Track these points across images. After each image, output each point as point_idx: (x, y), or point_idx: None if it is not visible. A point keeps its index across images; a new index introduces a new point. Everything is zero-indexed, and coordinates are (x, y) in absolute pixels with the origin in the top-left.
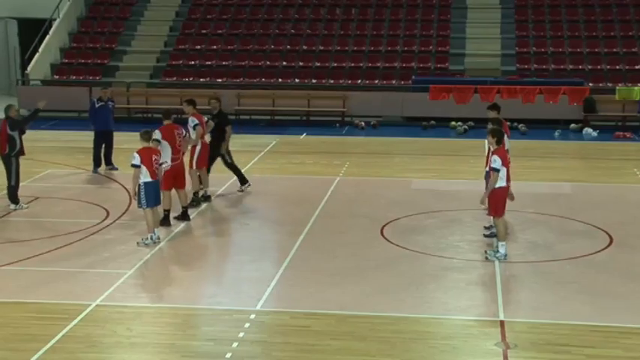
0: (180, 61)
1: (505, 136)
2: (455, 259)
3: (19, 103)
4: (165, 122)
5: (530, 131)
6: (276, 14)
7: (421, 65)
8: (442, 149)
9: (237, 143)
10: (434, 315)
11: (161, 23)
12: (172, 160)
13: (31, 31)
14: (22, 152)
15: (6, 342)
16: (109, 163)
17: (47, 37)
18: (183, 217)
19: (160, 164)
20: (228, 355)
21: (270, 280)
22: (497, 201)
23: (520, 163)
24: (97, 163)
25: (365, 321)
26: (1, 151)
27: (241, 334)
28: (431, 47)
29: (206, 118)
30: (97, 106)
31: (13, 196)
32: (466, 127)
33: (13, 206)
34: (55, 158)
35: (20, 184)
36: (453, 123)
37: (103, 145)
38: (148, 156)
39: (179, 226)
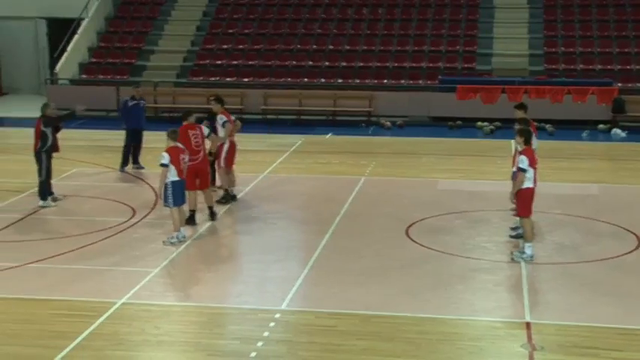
0: (207, 61)
1: (533, 136)
2: (482, 260)
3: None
4: (184, 123)
5: (557, 132)
6: (304, 14)
7: (448, 65)
8: (469, 149)
9: (263, 143)
10: (461, 316)
11: (188, 23)
12: (191, 160)
13: (60, 30)
14: (55, 149)
15: (34, 339)
16: (136, 161)
17: (76, 36)
18: (210, 216)
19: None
20: (254, 354)
21: (296, 280)
22: (524, 202)
23: (547, 164)
24: (125, 162)
25: (390, 321)
26: (34, 148)
27: (266, 334)
28: (458, 47)
29: (234, 117)
30: (129, 105)
31: (42, 191)
32: (493, 127)
33: (41, 202)
34: (82, 157)
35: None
36: (480, 123)
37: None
38: (176, 155)
39: (205, 226)
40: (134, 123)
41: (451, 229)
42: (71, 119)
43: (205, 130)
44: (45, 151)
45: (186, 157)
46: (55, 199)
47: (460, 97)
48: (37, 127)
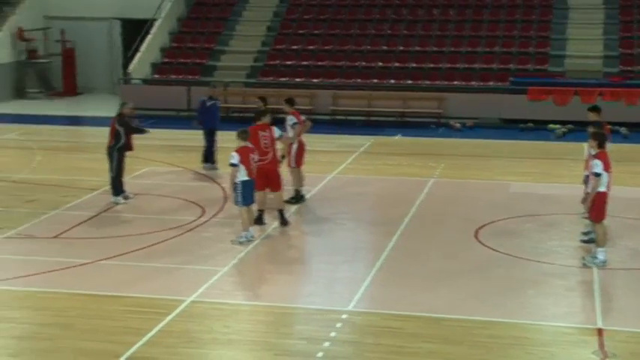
0: (277, 61)
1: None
2: (553, 265)
3: (120, 101)
4: (257, 123)
5: (632, 134)
6: (374, 15)
7: (520, 66)
8: (540, 152)
9: (332, 143)
10: (531, 321)
11: (259, 23)
12: (260, 161)
13: (134, 31)
14: (128, 148)
15: (105, 334)
16: (208, 160)
17: (149, 37)
18: (281, 220)
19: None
20: (320, 354)
21: (363, 281)
22: (598, 206)
23: (621, 168)
24: (207, 160)
25: (458, 324)
26: (108, 144)
27: (333, 334)
28: (530, 48)
29: (304, 117)
30: (208, 104)
31: (113, 187)
32: (565, 129)
33: (112, 199)
34: (154, 156)
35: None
36: (552, 125)
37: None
38: (246, 155)
39: (273, 225)
40: (211, 123)
41: (521, 232)
42: (140, 134)
43: (276, 132)
44: (117, 149)
45: (256, 157)
46: (126, 197)
47: (532, 98)
48: (113, 124)
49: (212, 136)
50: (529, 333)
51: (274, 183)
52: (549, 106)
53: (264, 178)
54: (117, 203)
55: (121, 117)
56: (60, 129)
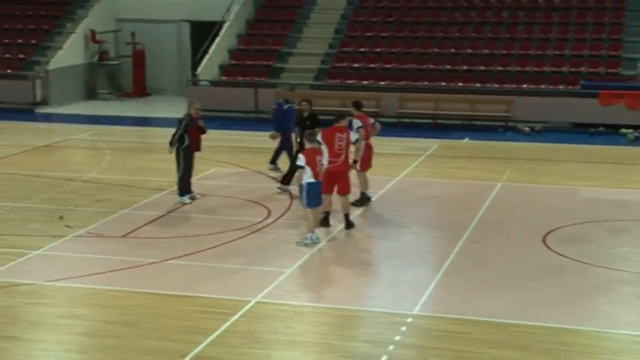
0: (345, 64)
1: None
2: (623, 272)
3: (188, 103)
4: (335, 125)
5: None
6: (442, 17)
7: (591, 70)
8: (611, 157)
9: (398, 146)
10: (600, 328)
11: (327, 26)
12: (329, 163)
13: (202, 33)
14: (196, 148)
15: (171, 333)
16: (274, 162)
17: (217, 39)
18: (347, 223)
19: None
20: (384, 357)
21: (428, 285)
22: None
23: None
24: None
25: (525, 330)
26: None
27: (397, 338)
28: (602, 51)
29: (372, 120)
30: (284, 107)
31: (180, 187)
32: (638, 134)
33: (179, 199)
34: (220, 157)
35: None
36: (624, 130)
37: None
38: (312, 157)
39: (338, 228)
40: (287, 125)
41: (591, 238)
42: (203, 133)
43: (353, 137)
44: (183, 149)
45: (324, 159)
46: (192, 198)
47: (603, 102)
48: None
49: (288, 138)
50: (598, 341)
51: (343, 186)
52: (621, 110)
53: (334, 180)
54: (183, 203)
55: (185, 117)
56: (129, 129)
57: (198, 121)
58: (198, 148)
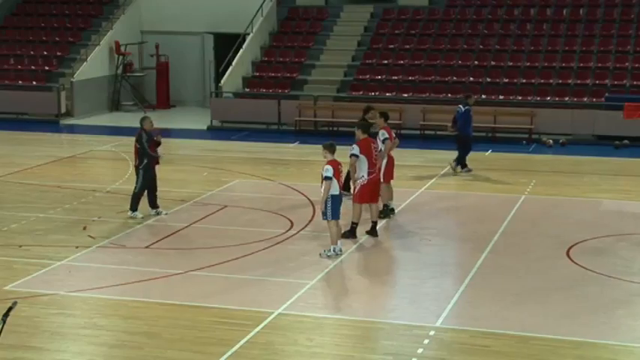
0: (368, 76)
1: None
2: None
3: (211, 114)
4: (363, 136)
5: None
6: (465, 29)
7: (615, 82)
8: (636, 170)
9: (421, 158)
10: (622, 342)
11: (350, 38)
12: (369, 174)
13: (226, 45)
14: (155, 162)
15: (192, 344)
16: (458, 164)
17: (240, 51)
18: (372, 231)
19: (358, 179)
20: None
21: (451, 297)
22: None
23: None
24: (461, 163)
25: (547, 344)
26: (135, 163)
27: (420, 350)
28: (627, 64)
29: (393, 134)
30: (462, 111)
31: (132, 202)
32: None
33: (130, 213)
34: (242, 168)
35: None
36: None
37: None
38: (336, 168)
39: (362, 239)
40: (468, 129)
41: (615, 251)
42: (157, 146)
43: (379, 146)
44: (142, 168)
45: (363, 169)
46: (158, 213)
47: (627, 115)
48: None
49: (468, 142)
50: (619, 355)
51: (377, 195)
52: None
53: (372, 190)
54: (134, 217)
55: (142, 134)
56: None
57: (153, 134)
58: (157, 161)
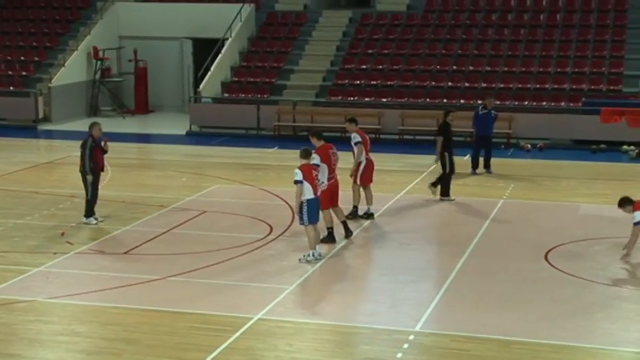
0: (346, 81)
1: None
2: (623, 288)
3: (190, 119)
4: (319, 143)
5: None
6: (443, 34)
7: (592, 87)
8: (613, 174)
9: (400, 163)
10: (600, 345)
11: (328, 43)
12: (328, 179)
13: (204, 50)
14: (99, 169)
15: (172, 350)
16: (487, 166)
17: (219, 56)
18: (346, 232)
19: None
20: None
21: (430, 302)
22: None
23: None
24: (475, 166)
25: (527, 347)
26: (80, 167)
27: (399, 355)
28: (603, 69)
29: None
30: (480, 113)
31: (87, 209)
32: (639, 151)
33: (84, 219)
34: (221, 174)
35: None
36: (626, 147)
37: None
38: (309, 172)
39: (340, 244)
40: (483, 129)
41: (592, 255)
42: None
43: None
44: (88, 172)
45: (323, 176)
46: (96, 219)
47: (604, 119)
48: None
49: (486, 142)
50: (597, 358)
51: (337, 198)
52: (622, 127)
53: (332, 195)
54: (90, 224)
55: (88, 140)
56: (131, 146)
57: (100, 141)
58: (102, 168)
